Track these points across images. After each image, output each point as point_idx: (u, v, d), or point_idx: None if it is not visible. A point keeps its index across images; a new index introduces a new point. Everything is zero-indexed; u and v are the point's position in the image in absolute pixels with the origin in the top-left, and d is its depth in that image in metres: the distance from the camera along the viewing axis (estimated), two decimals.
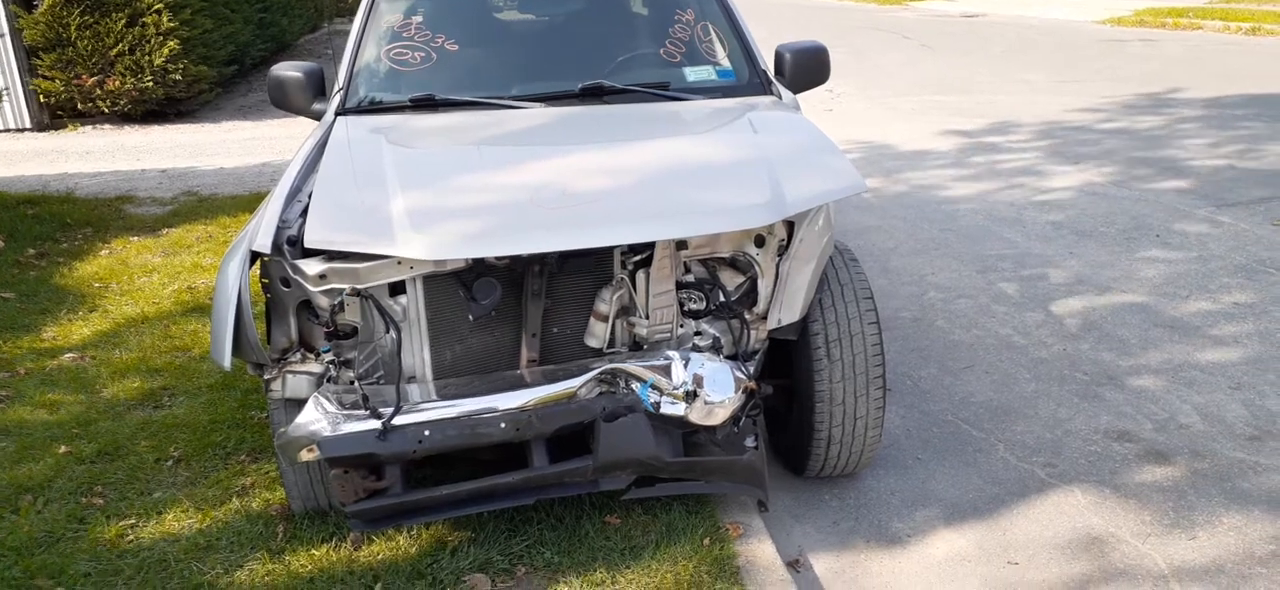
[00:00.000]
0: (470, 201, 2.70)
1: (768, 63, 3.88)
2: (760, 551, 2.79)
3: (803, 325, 2.85)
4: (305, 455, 2.52)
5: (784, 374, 3.06)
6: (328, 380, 2.69)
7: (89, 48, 9.56)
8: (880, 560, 2.89)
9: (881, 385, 2.94)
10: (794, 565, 2.84)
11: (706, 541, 2.80)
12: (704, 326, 2.91)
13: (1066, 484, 3.20)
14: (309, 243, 2.48)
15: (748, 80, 3.76)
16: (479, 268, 2.67)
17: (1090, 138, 8.03)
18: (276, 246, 2.52)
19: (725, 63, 3.84)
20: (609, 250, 2.74)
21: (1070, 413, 3.63)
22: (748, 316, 2.86)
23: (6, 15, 9.40)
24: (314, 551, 2.80)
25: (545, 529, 2.88)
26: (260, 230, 2.55)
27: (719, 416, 2.65)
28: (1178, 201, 6.11)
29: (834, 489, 3.22)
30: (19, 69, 9.63)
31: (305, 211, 2.63)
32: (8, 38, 9.37)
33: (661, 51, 3.83)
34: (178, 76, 9.85)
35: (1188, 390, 3.75)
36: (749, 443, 2.78)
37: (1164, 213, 5.90)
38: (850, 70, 12.11)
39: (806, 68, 3.91)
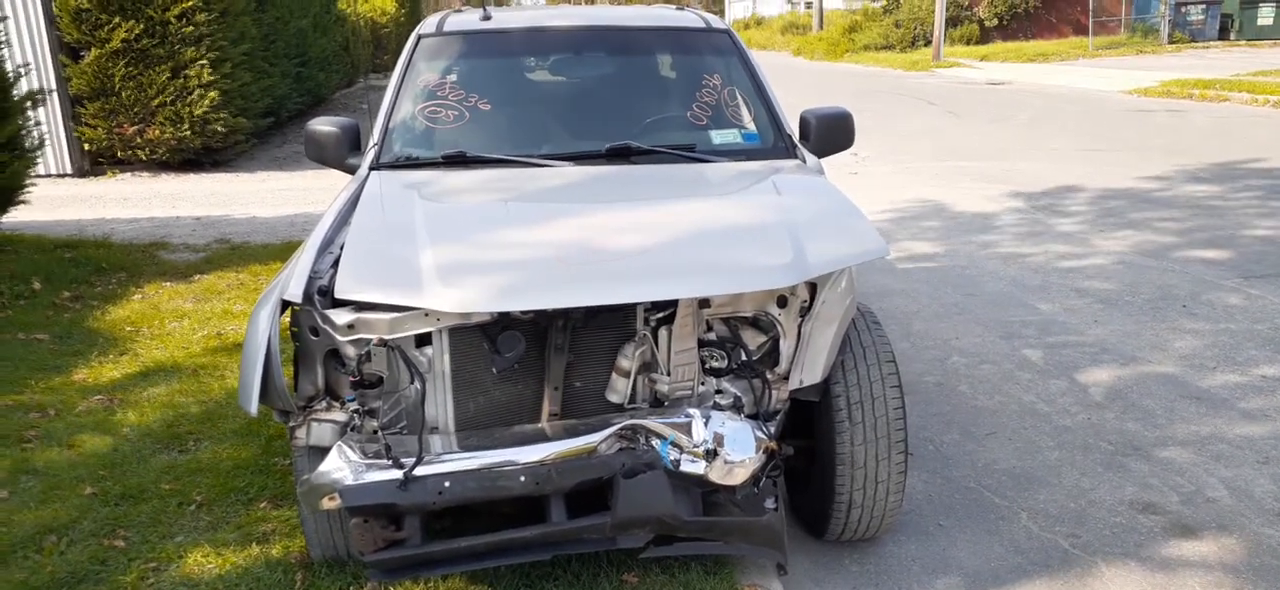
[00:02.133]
0: (498, 256, 2.75)
1: (793, 127, 3.94)
2: None
3: (824, 387, 2.86)
4: (327, 503, 2.55)
5: (805, 435, 3.06)
6: (352, 429, 2.71)
7: (132, 98, 9.85)
8: None
9: (903, 449, 2.92)
10: None
11: None
12: (725, 385, 2.92)
13: (1090, 555, 3.15)
14: (339, 293, 2.53)
15: (773, 144, 3.81)
16: (504, 321, 2.70)
17: (1116, 207, 8.02)
18: (307, 296, 2.57)
19: (751, 126, 3.90)
20: (632, 307, 2.76)
21: (1094, 483, 3.59)
22: (769, 376, 2.87)
23: (55, 65, 9.71)
24: None
25: (562, 585, 2.87)
26: (292, 280, 2.60)
27: (739, 476, 2.65)
28: (1205, 272, 6.07)
29: (854, 554, 3.19)
30: (63, 117, 9.93)
31: (337, 262, 2.68)
32: (55, 88, 9.65)
33: (688, 114, 3.89)
34: (218, 128, 10.11)
35: (1215, 463, 3.70)
36: (769, 504, 2.77)
37: (1191, 283, 5.86)
38: (875, 135, 12.19)
39: (831, 132, 3.96)
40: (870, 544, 3.23)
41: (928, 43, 28.44)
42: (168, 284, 6.12)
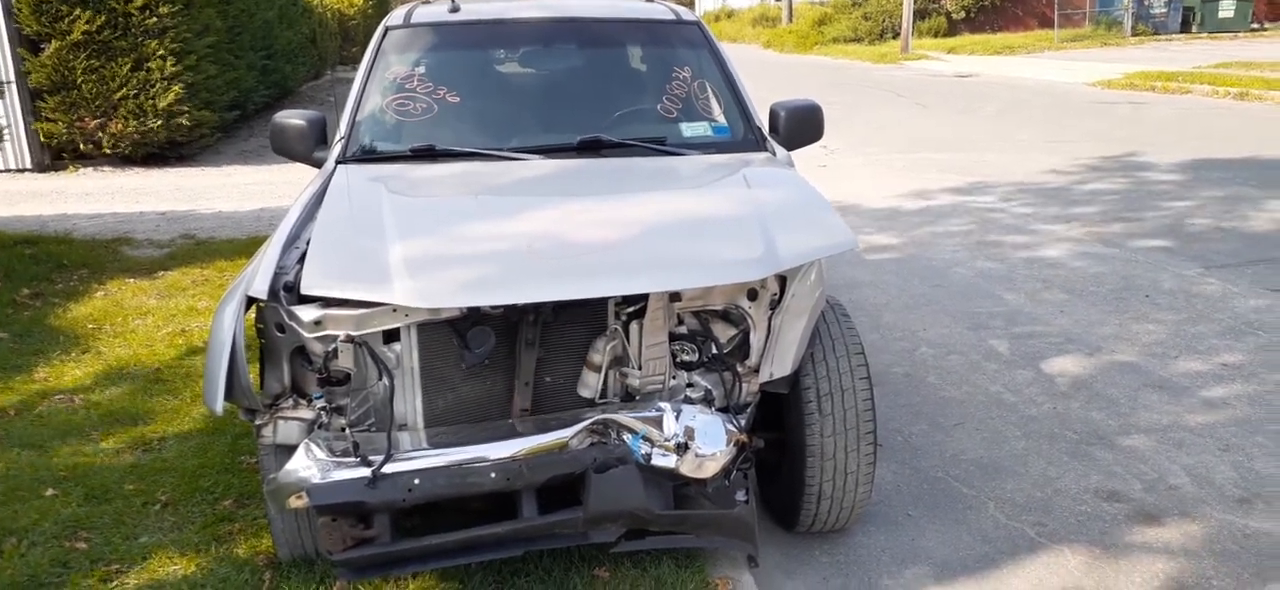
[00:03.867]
0: (467, 250, 2.73)
1: (763, 120, 3.94)
2: None
3: (794, 379, 2.87)
4: (294, 502, 2.52)
5: (775, 428, 3.07)
6: (319, 427, 2.68)
7: (93, 91, 9.67)
8: None
9: (872, 440, 2.94)
10: None
11: None
12: (696, 379, 2.92)
13: (1057, 544, 3.19)
14: (306, 289, 2.49)
15: (743, 137, 3.81)
16: (473, 316, 2.68)
17: (1081, 197, 8.12)
18: (273, 292, 2.53)
19: (721, 119, 3.90)
20: (603, 301, 2.76)
21: (1060, 471, 3.64)
22: (740, 369, 2.88)
23: (13, 57, 9.51)
24: None
25: (534, 581, 2.86)
26: (257, 275, 2.57)
27: (710, 469, 2.66)
28: (1167, 261, 6.17)
29: (824, 545, 3.21)
30: (22, 110, 9.73)
31: (303, 258, 2.65)
32: (13, 80, 9.46)
33: (659, 107, 3.88)
34: (183, 121, 9.95)
35: (1177, 451, 3.77)
36: (739, 496, 2.78)
37: (1154, 273, 5.95)
38: (844, 127, 12.25)
39: (801, 125, 3.97)
40: (840, 535, 3.25)
41: (896, 35, 28.61)
42: (131, 280, 6.03)
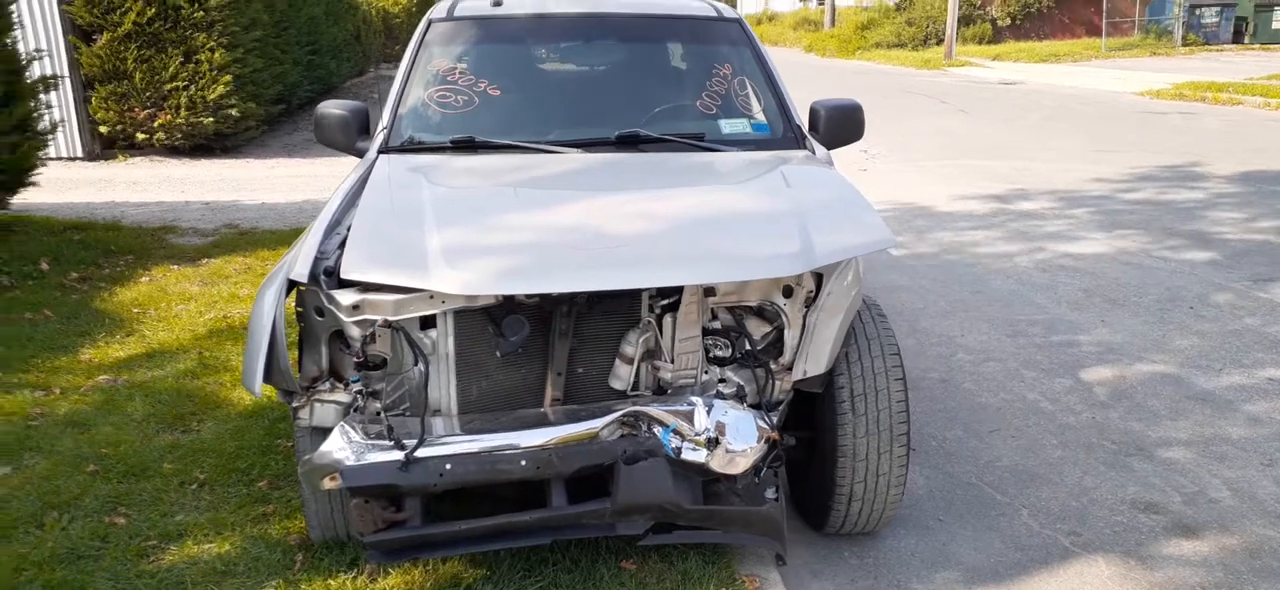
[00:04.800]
0: (504, 240, 2.75)
1: (803, 119, 3.93)
2: None
3: (828, 378, 2.85)
4: (328, 483, 2.55)
5: (807, 426, 3.06)
6: (355, 410, 2.72)
7: (144, 82, 9.87)
8: None
9: (905, 442, 2.92)
10: None
11: None
12: (728, 374, 2.92)
13: (1090, 553, 3.14)
14: (346, 273, 2.53)
15: (782, 134, 3.80)
16: (509, 305, 2.70)
17: (1126, 207, 7.99)
18: (313, 276, 2.57)
19: (760, 117, 3.89)
20: (637, 293, 2.76)
21: (1097, 481, 3.58)
22: (773, 367, 2.87)
23: (66, 47, 9.73)
24: (330, 581, 2.82)
25: (561, 571, 2.87)
26: (298, 260, 2.61)
27: (740, 465, 2.65)
28: (1213, 274, 6.05)
29: (854, 546, 3.19)
30: (74, 100, 9.95)
31: (343, 244, 2.69)
32: (66, 70, 9.68)
33: (698, 103, 3.89)
34: (231, 112, 10.12)
35: (1218, 464, 3.69)
36: (769, 494, 2.77)
37: (1199, 284, 5.84)
38: (885, 132, 12.15)
39: (841, 124, 3.94)
40: (869, 537, 3.22)
41: (940, 41, 28.34)
42: (175, 267, 6.14)
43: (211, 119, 10.01)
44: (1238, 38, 26.83)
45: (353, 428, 2.61)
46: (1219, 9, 26.70)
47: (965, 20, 29.92)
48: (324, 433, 2.66)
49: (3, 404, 4.00)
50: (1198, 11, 27.08)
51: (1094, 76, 19.66)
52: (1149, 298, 5.63)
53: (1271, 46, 25.66)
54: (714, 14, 4.30)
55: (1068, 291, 5.78)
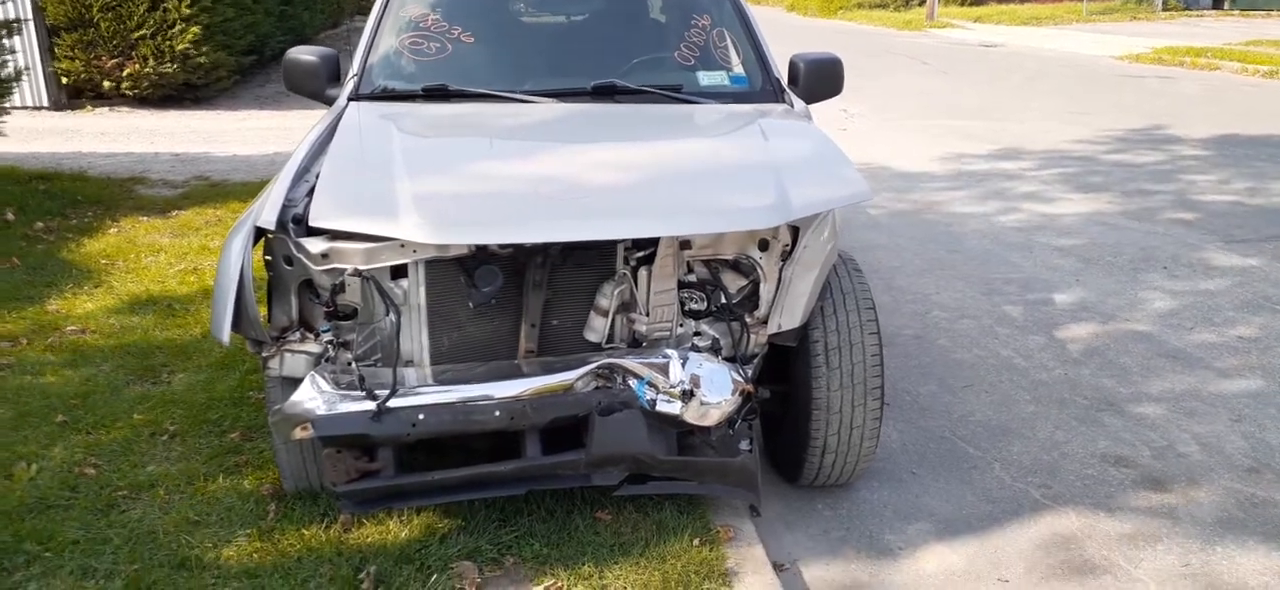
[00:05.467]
0: (476, 189, 2.72)
1: (782, 72, 3.89)
2: (750, 555, 2.78)
3: (803, 332, 2.84)
4: (299, 433, 2.52)
5: (782, 380, 3.06)
6: (325, 360, 2.69)
7: (110, 30, 9.65)
8: (870, 571, 2.87)
9: (879, 396, 2.93)
10: (779, 567, 2.82)
11: (696, 542, 2.79)
12: (704, 327, 2.91)
13: (1061, 505, 3.18)
14: (314, 221, 2.48)
15: (760, 87, 3.76)
16: (482, 255, 2.67)
17: (1102, 168, 8.02)
18: (281, 224, 2.53)
19: (739, 69, 3.85)
20: (612, 245, 2.74)
21: (1068, 436, 3.62)
22: (748, 320, 2.86)
23: None
24: (304, 531, 2.80)
25: (535, 521, 2.87)
26: (266, 207, 2.56)
27: (714, 417, 2.65)
28: (1186, 235, 6.09)
29: (827, 498, 3.21)
30: (40, 49, 9.71)
31: (312, 191, 2.64)
32: (31, 18, 9.44)
33: (676, 55, 3.84)
34: (201, 60, 9.92)
35: (1188, 420, 3.73)
36: (743, 446, 2.77)
37: (1172, 245, 5.88)
38: (865, 92, 12.12)
39: (820, 78, 3.91)
40: (843, 489, 3.24)
41: (922, 2, 28.19)
42: (144, 219, 6.04)
43: (178, 68, 9.80)
44: (1217, 4, 26.89)
45: (323, 378, 2.58)
46: None
47: None
48: (294, 383, 2.63)
49: None
50: None
51: (1074, 40, 19.67)
52: (1123, 257, 5.67)
53: (1251, 13, 25.74)
54: None
55: (1043, 251, 5.81)
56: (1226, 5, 26.75)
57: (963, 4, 30.23)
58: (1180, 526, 3.07)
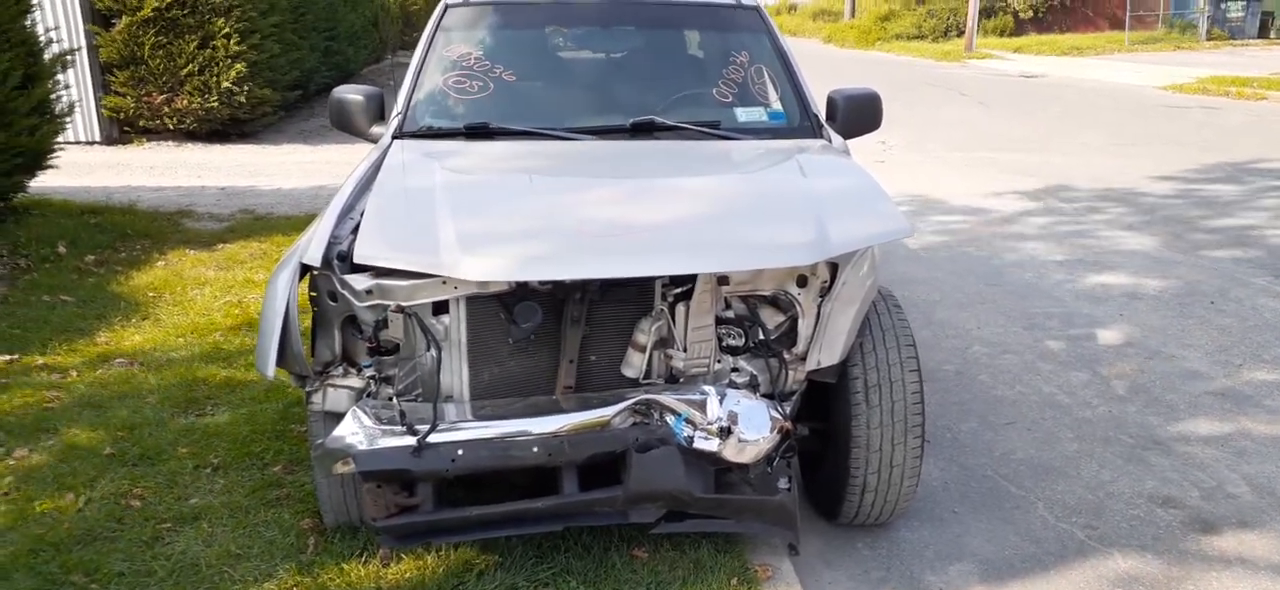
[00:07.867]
0: (518, 226, 2.74)
1: (820, 107, 3.90)
2: None
3: (842, 368, 2.83)
4: (340, 468, 2.55)
5: (821, 417, 3.04)
6: (367, 395, 2.72)
7: (161, 67, 9.90)
8: None
9: (920, 433, 2.89)
10: None
11: (734, 581, 2.77)
12: (742, 363, 2.90)
13: (1106, 547, 3.11)
14: (359, 258, 2.53)
15: (799, 123, 3.77)
16: (521, 292, 2.69)
17: (1147, 202, 7.90)
18: (326, 261, 2.57)
19: (777, 105, 3.86)
20: (650, 281, 2.75)
21: (1114, 475, 3.55)
22: (786, 356, 2.85)
23: (85, 32, 9.78)
24: (343, 566, 2.82)
25: (572, 558, 2.87)
26: (311, 244, 2.61)
27: (752, 454, 2.64)
28: (1235, 269, 5.97)
29: (867, 537, 3.17)
30: (92, 84, 10.00)
31: (357, 228, 2.68)
32: (85, 53, 9.72)
33: (714, 91, 3.86)
34: (243, 98, 10.15)
35: (1238, 460, 3.65)
36: (782, 484, 2.75)
37: (1220, 279, 5.77)
38: (903, 124, 12.07)
39: (858, 113, 3.91)
40: (883, 528, 3.20)
41: (961, 33, 28.11)
42: (191, 252, 6.17)
43: (223, 103, 10.03)
44: (1263, 32, 26.50)
45: (365, 413, 2.61)
46: (1244, 3, 26.38)
47: (986, 12, 29.67)
48: (337, 418, 2.66)
49: (20, 386, 4.03)
50: (1223, 6, 26.75)
51: (1116, 70, 19.47)
52: (1169, 292, 5.57)
53: None
54: (732, 1, 4.27)
55: (1086, 285, 5.73)
56: (1273, 34, 26.34)
57: (1002, 34, 30.13)
58: (1231, 571, 2.99)
